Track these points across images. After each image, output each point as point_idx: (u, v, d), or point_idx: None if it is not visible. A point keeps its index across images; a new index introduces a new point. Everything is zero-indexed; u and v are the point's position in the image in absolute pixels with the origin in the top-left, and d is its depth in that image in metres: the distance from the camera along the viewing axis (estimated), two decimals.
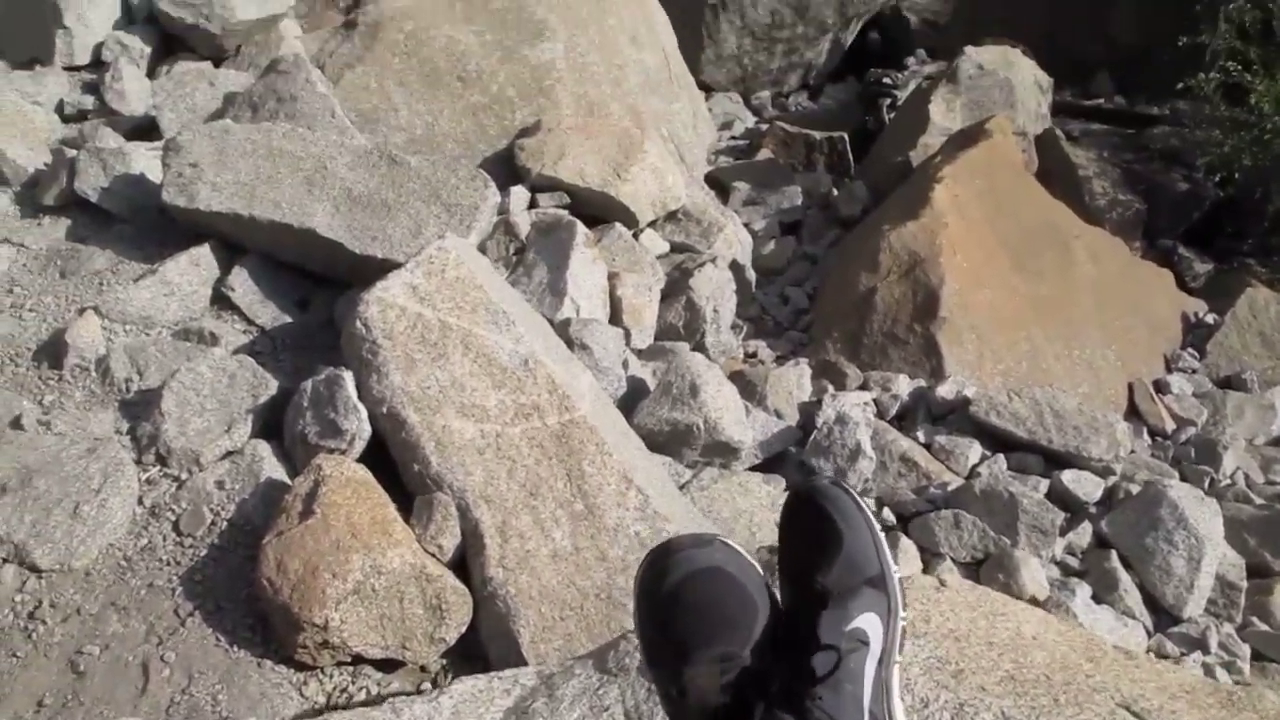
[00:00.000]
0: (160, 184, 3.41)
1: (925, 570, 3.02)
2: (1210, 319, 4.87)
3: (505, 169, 3.93)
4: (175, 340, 3.16)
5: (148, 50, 4.88)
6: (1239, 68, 5.56)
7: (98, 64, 4.90)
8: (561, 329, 3.04)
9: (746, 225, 4.77)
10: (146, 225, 3.69)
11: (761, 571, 1.00)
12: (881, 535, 1.02)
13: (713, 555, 0.98)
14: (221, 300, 3.33)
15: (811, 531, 1.02)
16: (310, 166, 3.21)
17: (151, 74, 4.86)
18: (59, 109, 4.57)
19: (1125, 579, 3.01)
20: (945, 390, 3.53)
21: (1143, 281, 4.87)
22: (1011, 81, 5.57)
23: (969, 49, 5.66)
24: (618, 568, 2.22)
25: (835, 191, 5.36)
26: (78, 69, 4.88)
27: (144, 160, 3.84)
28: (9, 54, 4.88)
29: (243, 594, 2.39)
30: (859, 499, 1.01)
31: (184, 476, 2.66)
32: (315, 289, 3.36)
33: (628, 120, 4.10)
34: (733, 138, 6.34)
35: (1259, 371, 4.59)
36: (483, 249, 3.34)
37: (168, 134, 4.04)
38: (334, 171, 3.19)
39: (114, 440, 2.73)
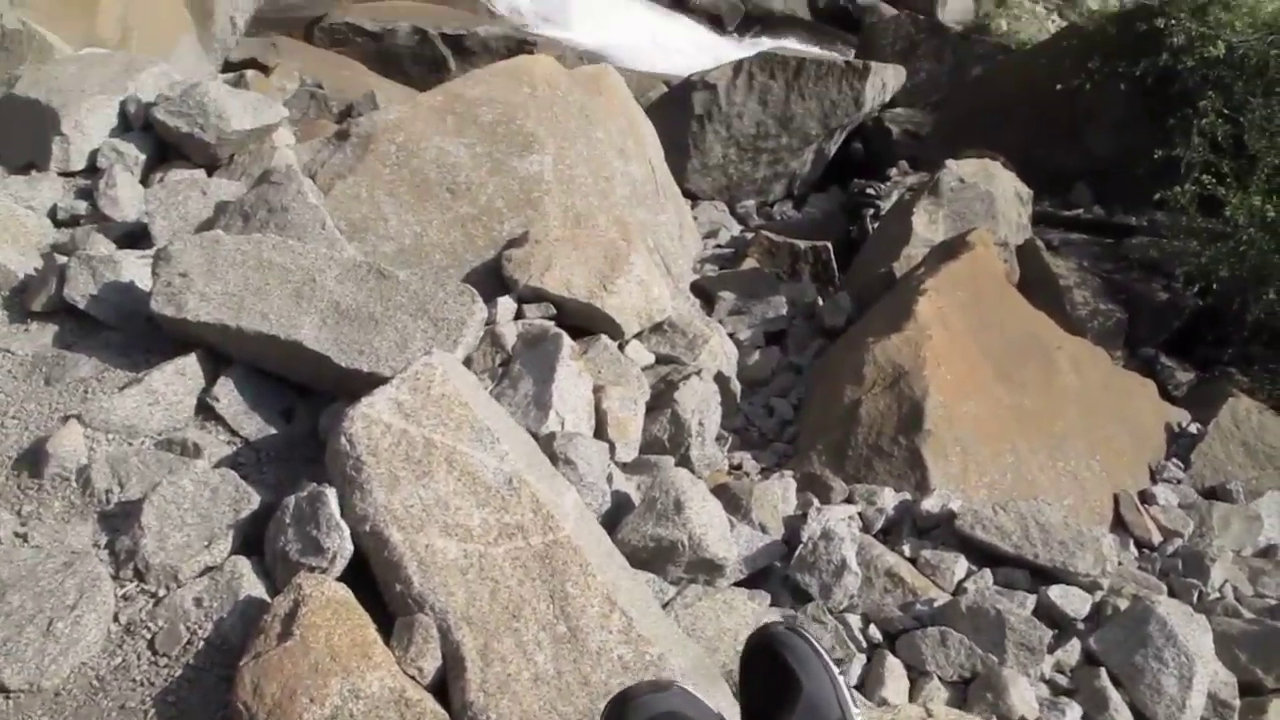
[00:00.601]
0: (149, 292, 3.42)
1: (913, 689, 2.99)
2: (1194, 428, 4.89)
3: (493, 279, 3.97)
4: (158, 451, 3.14)
5: (142, 157, 4.95)
6: (1213, 181, 5.69)
7: (92, 170, 4.95)
8: (546, 443, 3.04)
9: (732, 335, 4.81)
10: (134, 333, 3.69)
11: (720, 715, 1.00)
12: (840, 679, 1.03)
13: (670, 700, 0.99)
14: (206, 410, 3.33)
15: (770, 679, 1.02)
16: (299, 278, 3.24)
17: (145, 181, 4.91)
18: (52, 214, 4.61)
19: (1115, 698, 2.97)
20: (930, 504, 3.52)
21: (1126, 391, 4.91)
22: (992, 194, 5.68)
23: (950, 162, 5.78)
24: (600, 693, 2.19)
25: (820, 301, 5.42)
26: (72, 174, 4.94)
27: (134, 268, 3.86)
28: (6, 159, 4.94)
29: (217, 717, 2.35)
30: (816, 643, 1.01)
31: (161, 593, 2.63)
32: (300, 400, 3.36)
33: (614, 232, 4.15)
34: (718, 246, 6.43)
35: (1244, 482, 4.61)
36: (469, 361, 3.35)
37: (159, 242, 4.07)
38: (323, 284, 3.21)
39: (91, 554, 2.70)
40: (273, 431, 3.26)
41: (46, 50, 6.17)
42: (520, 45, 10.25)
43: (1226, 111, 6.35)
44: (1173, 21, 6.76)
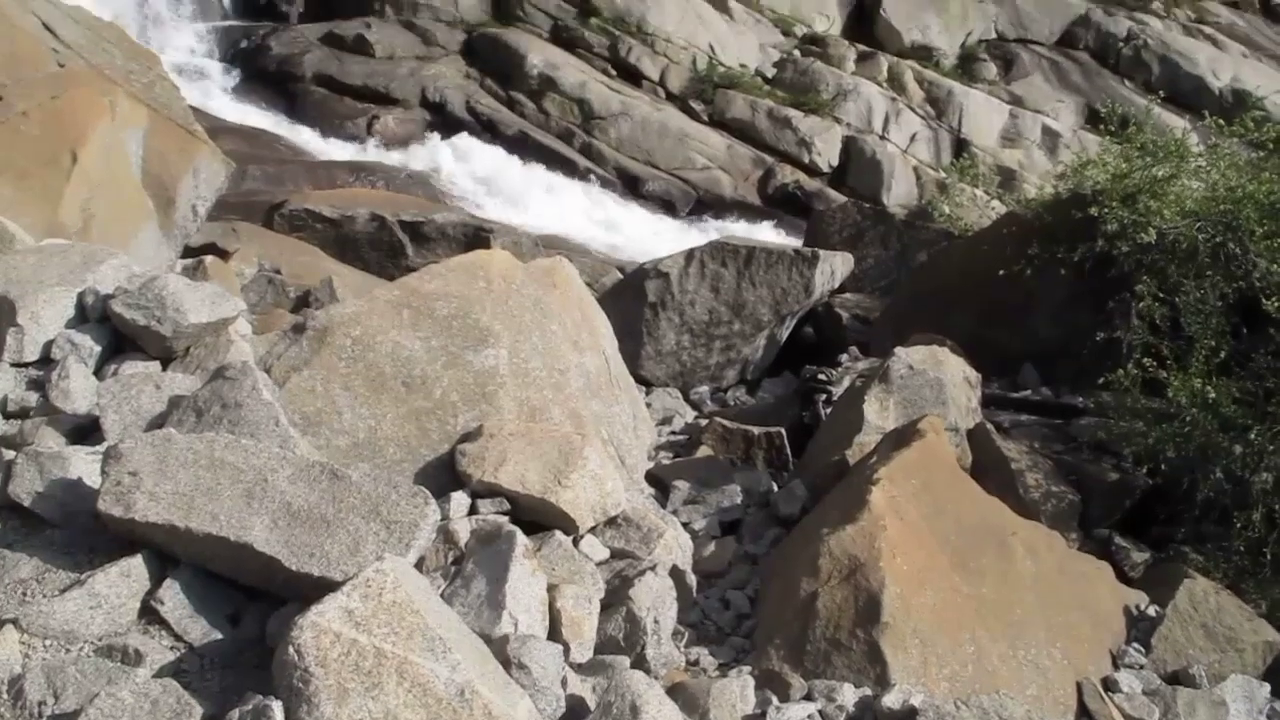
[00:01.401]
0: (97, 490, 3.38)
1: None
2: (1152, 611, 4.89)
3: (446, 474, 3.96)
4: (98, 658, 3.05)
5: (98, 349, 4.94)
6: (1154, 364, 5.83)
7: (46, 361, 4.93)
8: (499, 646, 2.99)
9: (686, 525, 4.81)
10: (78, 531, 3.62)
11: None
12: None
13: None
14: (150, 613, 3.24)
15: None
16: (251, 478, 3.21)
17: (99, 372, 4.89)
18: (1, 405, 4.56)
19: None
20: (891, 700, 3.47)
21: (1083, 575, 4.92)
22: (941, 380, 5.79)
23: (899, 350, 5.91)
24: None
25: (775, 488, 5.44)
26: (25, 365, 4.90)
27: (83, 464, 3.81)
28: None
29: None
30: None
31: None
32: (248, 602, 3.29)
33: (569, 425, 4.18)
34: (672, 433, 6.49)
35: (1206, 665, 4.59)
36: (421, 561, 3.31)
37: (110, 437, 4.03)
38: (274, 484, 3.19)
39: None
40: (219, 636, 3.18)
41: (7, 240, 6.20)
42: (476, 232, 10.48)
43: (1162, 295, 6.57)
44: (1105, 210, 7.01)
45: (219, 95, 18.64)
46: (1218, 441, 5.54)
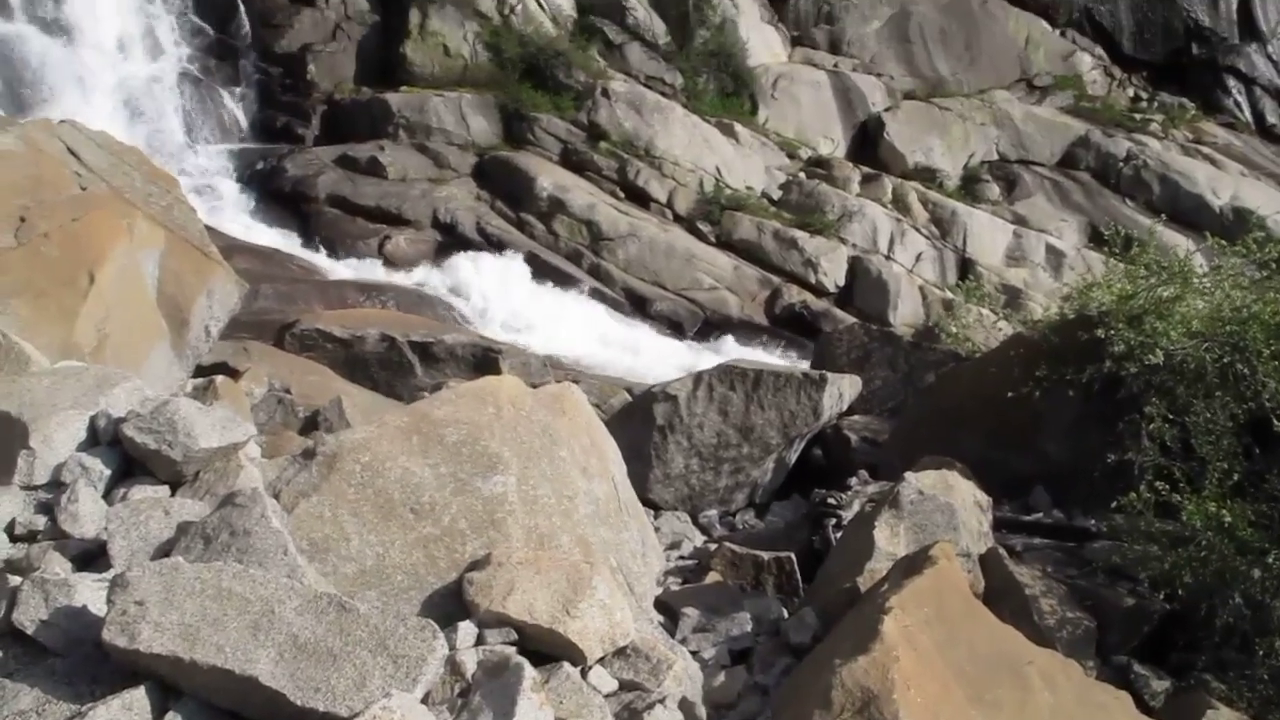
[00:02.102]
0: (103, 618, 3.35)
1: None
2: None
3: (454, 602, 3.92)
4: None
5: (107, 472, 4.94)
6: (1166, 487, 5.79)
7: (56, 484, 4.93)
8: None
9: (696, 654, 4.73)
10: (81, 660, 3.58)
11: None
12: None
13: None
14: None
15: None
16: (258, 610, 3.19)
17: (108, 495, 4.88)
18: (9, 528, 4.55)
19: None
20: None
21: (1102, 706, 4.81)
22: (952, 505, 5.75)
23: (909, 475, 5.88)
24: None
25: (785, 615, 5.37)
26: (35, 488, 4.90)
27: (89, 591, 3.79)
28: None
29: None
30: None
31: None
32: None
33: (577, 553, 4.15)
34: (681, 558, 6.43)
35: None
36: (427, 694, 3.26)
37: (117, 562, 4.01)
38: (281, 616, 3.16)
39: None
40: None
41: (23, 362, 6.26)
42: (485, 353, 10.57)
43: (1171, 416, 6.54)
44: (1112, 331, 7.03)
45: (235, 215, 19.02)
46: (1235, 565, 5.46)
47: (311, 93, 21.88)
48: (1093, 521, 6.83)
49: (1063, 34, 29.40)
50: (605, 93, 22.14)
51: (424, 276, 18.14)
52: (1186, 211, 24.82)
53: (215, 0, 22.39)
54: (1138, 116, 27.78)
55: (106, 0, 21.18)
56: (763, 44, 25.69)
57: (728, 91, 24.29)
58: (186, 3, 22.23)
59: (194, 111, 21.23)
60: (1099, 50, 29.46)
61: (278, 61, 22.22)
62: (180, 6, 22.14)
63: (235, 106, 21.98)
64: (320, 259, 18.24)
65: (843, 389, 8.34)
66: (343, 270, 17.97)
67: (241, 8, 22.41)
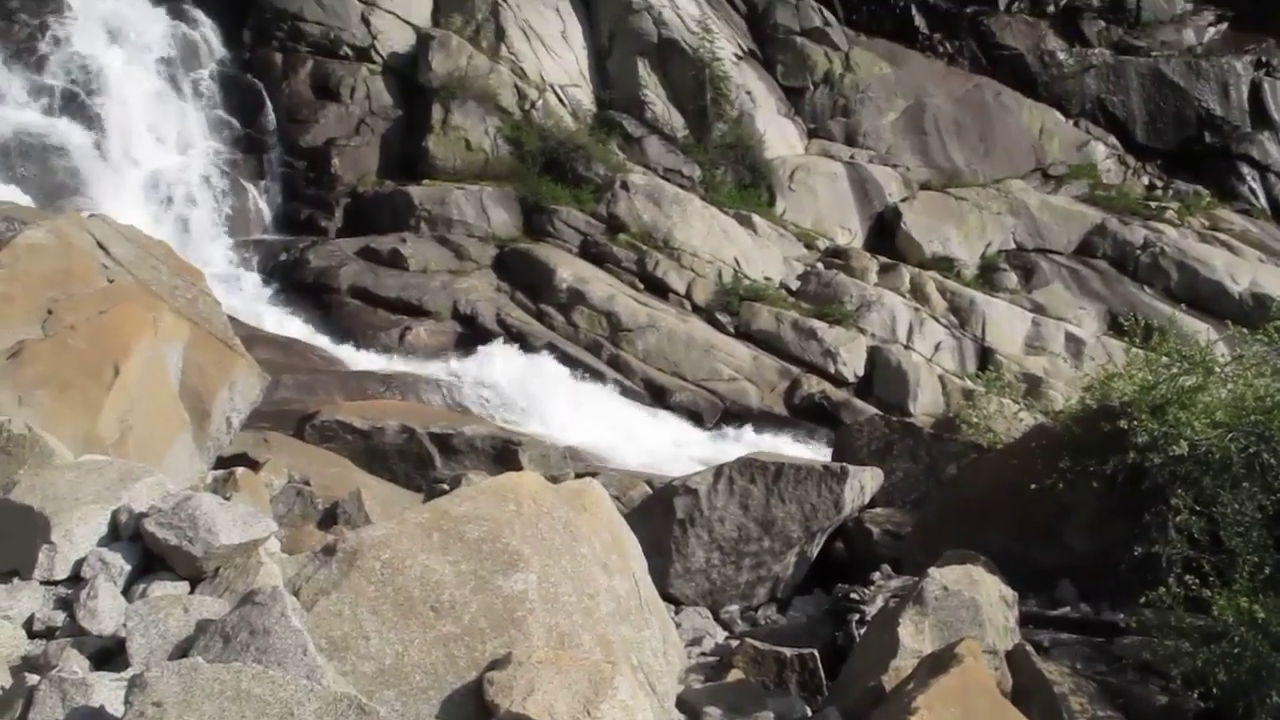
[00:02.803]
0: None
1: None
2: None
3: (474, 702, 3.87)
4: None
5: (128, 568, 4.94)
6: (1196, 581, 5.70)
7: (76, 579, 4.92)
8: None
9: None
10: None
11: None
12: None
13: None
14: None
15: None
16: (277, 713, 3.16)
17: (128, 591, 4.87)
18: (28, 624, 4.54)
19: None
20: None
21: None
22: (977, 601, 5.68)
23: (933, 570, 5.82)
24: None
25: (809, 714, 5.28)
26: (55, 583, 4.89)
27: (107, 691, 3.76)
28: None
29: None
30: None
31: None
32: None
33: (599, 652, 4.10)
34: (703, 654, 6.35)
35: None
36: None
37: (135, 661, 3.99)
38: (300, 718, 3.13)
39: None
40: None
41: (47, 455, 6.29)
42: (504, 445, 10.58)
43: (1198, 508, 6.46)
44: (1135, 422, 6.98)
45: (258, 306, 19.24)
46: (1271, 663, 5.35)
47: (335, 186, 22.26)
48: (1121, 616, 6.71)
49: (1076, 124, 29.70)
50: (624, 185, 22.44)
51: (444, 368, 18.21)
52: (1205, 298, 24.83)
53: (243, 96, 22.92)
54: (1153, 204, 27.89)
55: (138, 96, 21.73)
56: (780, 136, 26.05)
57: (745, 183, 24.58)
58: (215, 99, 22.78)
59: (221, 204, 21.63)
60: (1112, 139, 29.72)
61: (303, 155, 22.66)
62: (209, 102, 22.69)
63: (261, 199, 22.39)
64: (341, 350, 18.38)
65: (864, 482, 8.30)
66: (363, 361, 18.09)
67: (268, 103, 22.93)
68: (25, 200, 17.82)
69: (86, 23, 22.11)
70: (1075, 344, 23.04)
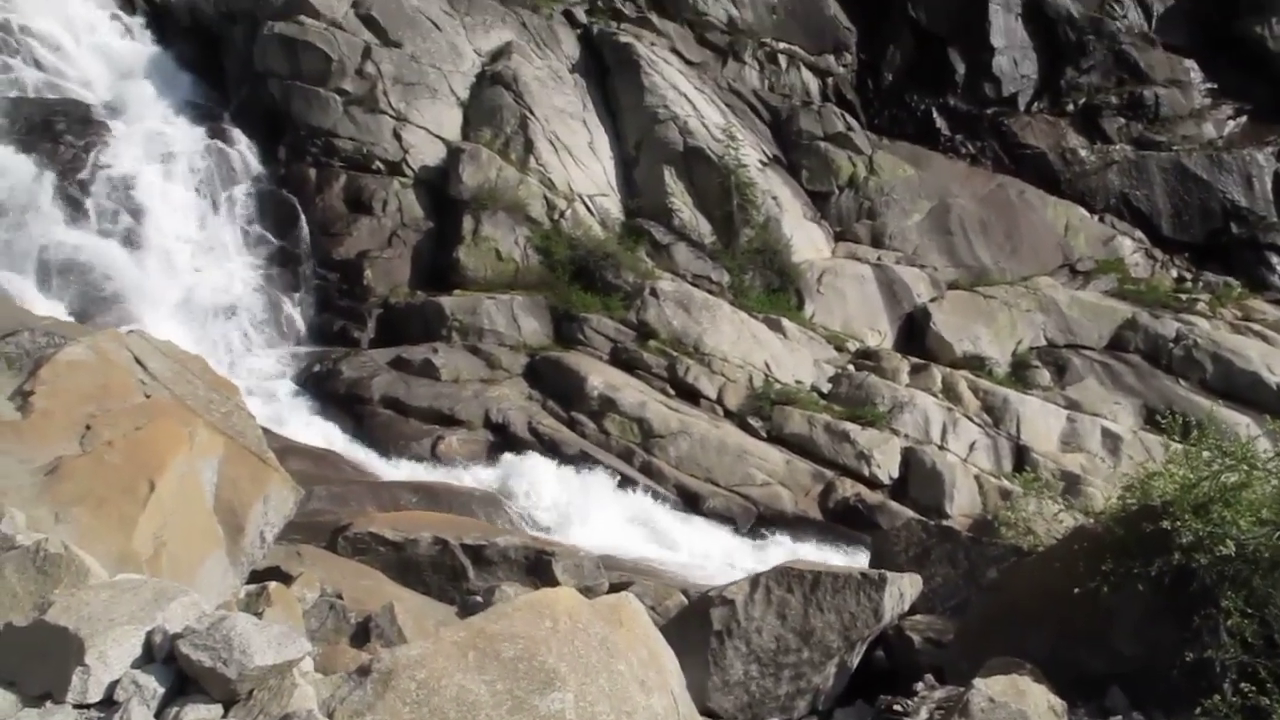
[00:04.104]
0: None
1: None
2: None
3: None
4: None
5: (161, 690, 4.90)
6: (1253, 689, 5.54)
7: (108, 702, 4.89)
8: None
9: None
10: None
11: None
12: None
13: None
14: None
15: None
16: None
17: (160, 714, 4.84)
18: None
19: None
20: None
21: None
22: (1025, 713, 5.55)
23: (978, 681, 5.69)
24: None
25: None
26: (87, 706, 4.85)
27: None
28: (23, 687, 4.89)
29: None
30: None
31: None
32: None
33: None
34: None
35: None
36: None
37: None
38: None
39: None
40: None
41: (82, 574, 6.29)
42: (538, 555, 10.51)
43: (1250, 610, 6.30)
44: (1177, 522, 6.86)
45: (291, 417, 19.37)
46: None
47: (368, 297, 22.54)
48: None
49: (1101, 219, 29.83)
50: (654, 292, 22.61)
51: (476, 477, 18.20)
52: (1242, 389, 24.58)
53: (278, 211, 23.41)
54: (1183, 297, 27.82)
55: (176, 212, 22.27)
56: (806, 240, 26.28)
57: (774, 288, 24.73)
58: (251, 214, 23.28)
59: (256, 317, 21.96)
60: (1139, 234, 29.79)
61: (336, 268, 23.01)
62: (245, 217, 23.19)
63: (295, 311, 22.69)
64: (374, 460, 18.42)
65: (903, 588, 8.17)
66: (396, 471, 18.11)
67: (303, 217, 23.38)
68: (66, 315, 18.18)
69: (128, 142, 22.81)
70: (1112, 440, 22.79)
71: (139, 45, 27.29)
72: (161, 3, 28.67)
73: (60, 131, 22.31)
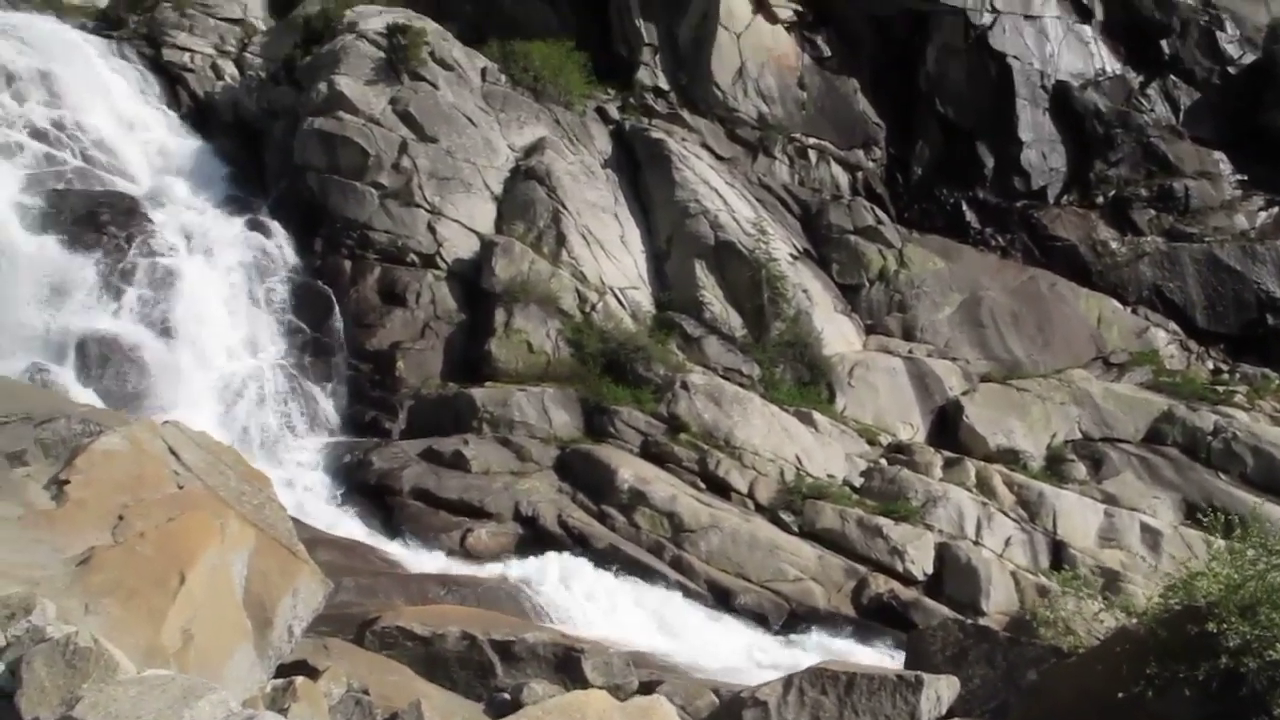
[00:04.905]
0: None
1: None
2: None
3: None
4: None
5: None
6: None
7: None
8: None
9: None
10: None
11: None
12: None
13: None
14: None
15: None
16: None
17: None
18: None
19: None
20: None
21: None
22: None
23: None
24: None
25: None
26: None
27: None
28: None
29: None
30: None
31: None
32: None
33: None
34: None
35: None
36: None
37: None
38: None
39: None
40: None
41: (111, 668, 6.25)
42: (567, 652, 10.37)
43: None
44: (1224, 624, 6.71)
45: (321, 507, 19.40)
46: None
47: (400, 388, 22.64)
48: None
49: (1134, 311, 29.63)
50: (684, 385, 22.58)
51: (505, 570, 18.05)
52: None
53: (313, 301, 23.67)
54: (1221, 389, 27.45)
55: (211, 302, 22.60)
56: (837, 333, 26.26)
57: (805, 381, 24.64)
58: (286, 304, 23.55)
59: (289, 407, 22.09)
60: (1173, 325, 29.53)
61: (368, 358, 23.17)
62: (281, 308, 23.46)
63: (327, 401, 22.82)
64: (402, 552, 18.34)
65: (940, 690, 8.00)
66: (425, 563, 18.02)
67: (337, 308, 23.63)
68: (102, 403, 18.39)
69: (168, 234, 23.28)
70: (1152, 536, 22.36)
71: (183, 139, 28.06)
72: (206, 99, 29.50)
73: (104, 222, 22.84)
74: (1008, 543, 21.42)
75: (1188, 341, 29.52)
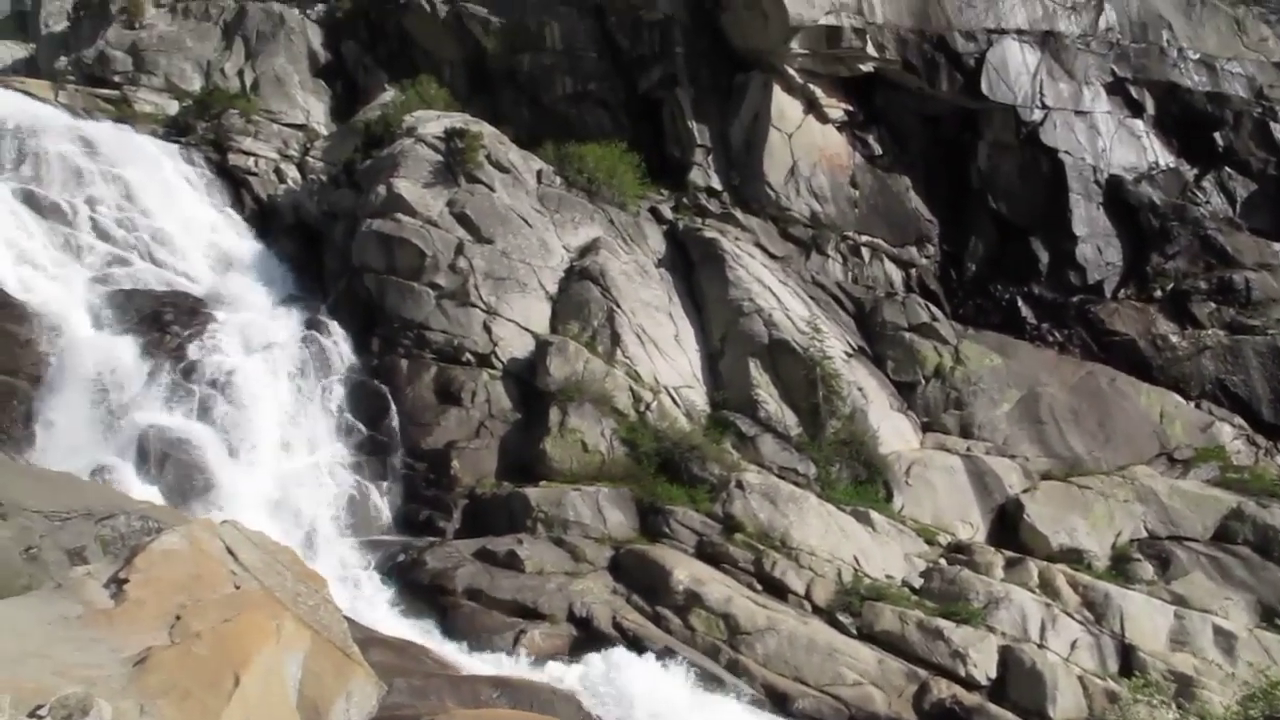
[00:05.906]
0: None
1: None
2: None
3: None
4: None
5: None
6: None
7: None
8: None
9: None
10: None
11: None
12: None
13: None
14: None
15: None
16: None
17: None
18: None
19: None
20: None
21: None
22: None
23: None
24: None
25: None
26: None
27: None
28: None
29: None
30: None
31: None
32: None
33: None
34: None
35: None
36: None
37: None
38: None
39: None
40: None
41: None
42: None
43: None
44: None
45: (374, 606, 19.31)
46: None
47: (454, 487, 22.66)
48: None
49: (1198, 405, 29.04)
50: (740, 485, 22.38)
51: (559, 673, 17.77)
52: None
53: (369, 400, 23.92)
54: None
55: (271, 401, 22.92)
56: (894, 431, 25.97)
57: (861, 480, 24.32)
58: (343, 404, 23.82)
59: (344, 506, 22.18)
60: (1238, 420, 28.87)
61: (424, 457, 23.26)
62: (337, 407, 23.72)
63: (382, 500, 22.88)
64: (455, 653, 18.16)
65: None
66: (478, 665, 17.81)
67: (393, 407, 23.83)
68: (161, 500, 18.62)
69: (229, 333, 23.79)
70: (1225, 639, 21.58)
71: (245, 241, 28.82)
72: (269, 201, 30.34)
73: (168, 321, 23.46)
74: (1074, 646, 20.79)
75: (1254, 436, 28.82)
